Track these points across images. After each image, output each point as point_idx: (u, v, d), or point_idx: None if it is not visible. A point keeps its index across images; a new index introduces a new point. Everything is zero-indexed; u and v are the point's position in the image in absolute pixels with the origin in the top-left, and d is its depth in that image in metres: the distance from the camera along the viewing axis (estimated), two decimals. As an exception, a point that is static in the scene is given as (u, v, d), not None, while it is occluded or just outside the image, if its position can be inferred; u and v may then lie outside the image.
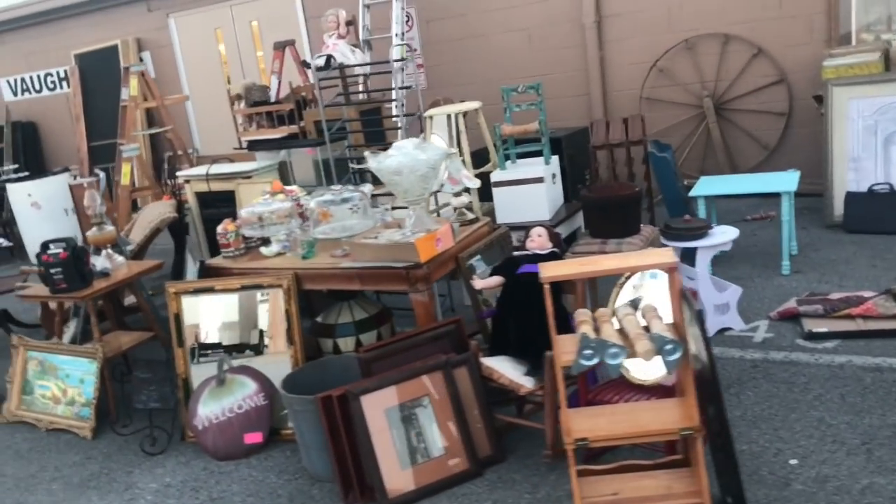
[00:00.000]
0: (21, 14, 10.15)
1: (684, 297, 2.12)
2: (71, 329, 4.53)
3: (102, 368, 3.86)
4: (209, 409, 3.44)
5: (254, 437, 3.41)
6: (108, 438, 3.78)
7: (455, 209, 3.66)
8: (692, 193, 4.56)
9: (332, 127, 4.67)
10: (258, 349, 3.59)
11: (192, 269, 4.02)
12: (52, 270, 3.80)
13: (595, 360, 2.11)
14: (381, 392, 2.88)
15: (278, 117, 5.99)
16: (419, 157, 3.32)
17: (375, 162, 3.41)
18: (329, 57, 5.45)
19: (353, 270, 3.27)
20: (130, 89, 6.33)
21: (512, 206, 4.10)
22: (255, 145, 5.93)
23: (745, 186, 4.63)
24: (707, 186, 4.68)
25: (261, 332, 3.59)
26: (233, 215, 5.10)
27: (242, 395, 3.44)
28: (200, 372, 3.60)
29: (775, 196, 4.55)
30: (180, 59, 9.31)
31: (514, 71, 7.03)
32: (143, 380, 3.90)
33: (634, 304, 2.30)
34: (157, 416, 3.69)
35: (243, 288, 3.49)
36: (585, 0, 6.63)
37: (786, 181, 4.46)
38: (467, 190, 3.79)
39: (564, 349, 2.20)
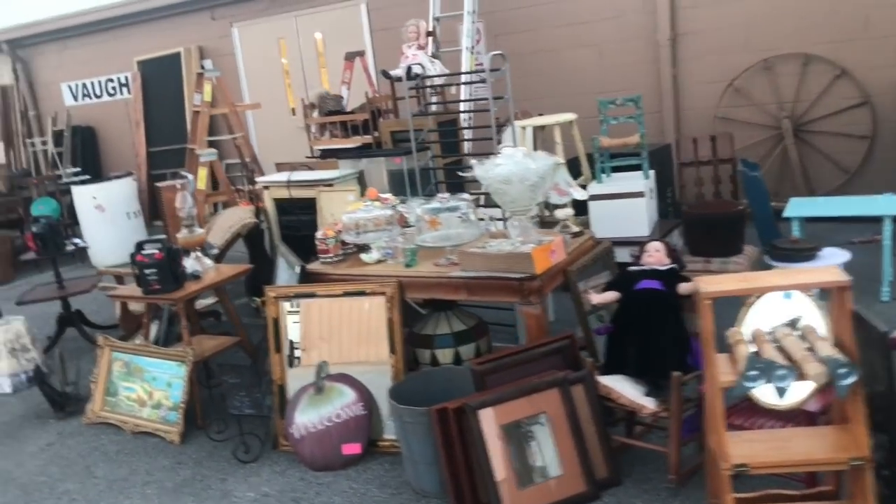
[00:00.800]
0: (85, 21, 10.30)
1: (861, 319, 2.01)
2: (153, 331, 4.51)
3: (192, 372, 3.83)
4: (307, 418, 3.38)
5: (352, 448, 3.34)
6: (196, 443, 3.73)
7: (559, 222, 3.58)
8: (787, 214, 4.44)
9: (420, 137, 4.63)
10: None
11: (283, 274, 3.96)
12: (147, 271, 3.78)
13: (760, 382, 2.01)
14: (499, 407, 2.80)
15: (352, 127, 5.97)
16: (529, 167, 3.26)
17: (482, 170, 3.35)
18: (410, 67, 5.42)
19: (460, 280, 3.20)
20: (204, 94, 6.35)
21: (609, 220, 4.01)
22: (329, 154, 5.92)
23: (843, 209, 4.49)
24: (800, 208, 4.55)
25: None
26: (313, 223, 5.09)
27: (341, 403, 3.37)
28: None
29: (861, 220, 4.38)
30: (242, 68, 9.36)
31: (583, 86, 6.96)
32: (233, 385, 3.86)
33: (793, 323, 2.19)
34: (246, 422, 3.63)
35: (346, 294, 3.43)
36: (660, 17, 6.57)
37: (889, 204, 4.32)
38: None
39: (723, 369, 2.10)
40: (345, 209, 5.00)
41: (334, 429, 3.35)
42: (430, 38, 5.76)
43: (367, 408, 3.37)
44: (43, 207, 8.34)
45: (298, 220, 5.17)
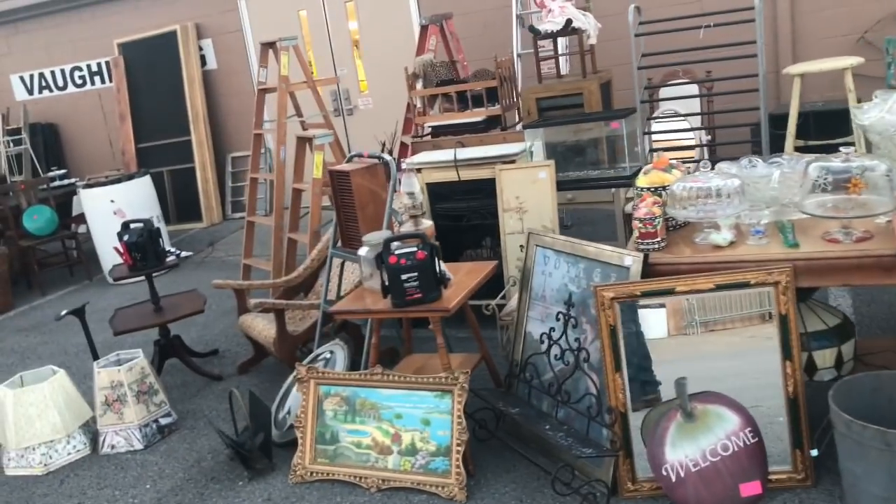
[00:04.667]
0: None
1: None
2: (341, 356, 3.53)
3: (465, 404, 2.91)
4: (683, 453, 2.56)
5: (752, 488, 2.55)
6: (487, 498, 2.83)
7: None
8: None
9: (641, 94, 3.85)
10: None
11: (558, 271, 3.08)
12: (405, 276, 2.83)
13: None
14: None
15: (473, 98, 5.09)
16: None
17: (872, 116, 2.63)
18: (569, 20, 4.62)
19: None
20: (282, 68, 5.29)
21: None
22: (442, 132, 5.03)
23: None
24: None
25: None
26: (485, 209, 4.21)
27: (724, 431, 2.57)
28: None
29: None
30: (251, 48, 8.21)
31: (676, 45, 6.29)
32: (517, 416, 2.99)
33: None
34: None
35: (718, 287, 2.62)
36: (774, -31, 6.02)
37: None
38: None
39: None
40: (529, 189, 4.19)
41: (722, 464, 2.56)
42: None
43: (757, 433, 2.59)
44: (38, 217, 6.96)
45: (468, 206, 4.29)
